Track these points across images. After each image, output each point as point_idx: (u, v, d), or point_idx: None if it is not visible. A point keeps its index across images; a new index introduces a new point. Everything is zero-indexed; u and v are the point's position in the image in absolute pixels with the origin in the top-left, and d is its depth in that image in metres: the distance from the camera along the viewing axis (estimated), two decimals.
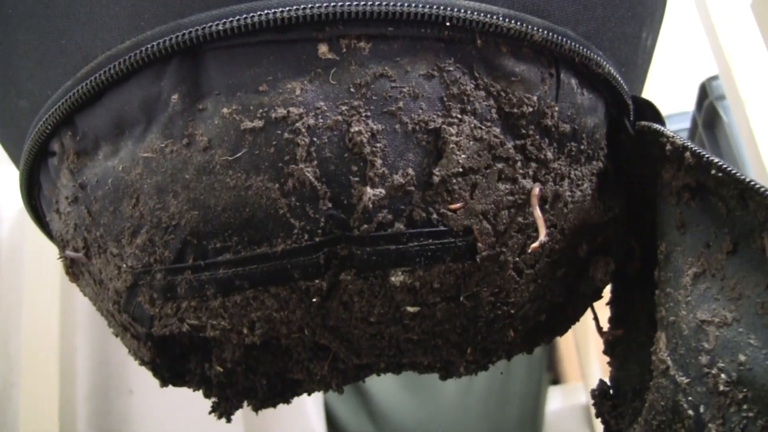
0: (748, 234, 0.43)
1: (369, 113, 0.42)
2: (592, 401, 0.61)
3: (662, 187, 0.50)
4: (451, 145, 0.43)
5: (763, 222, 0.41)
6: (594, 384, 0.61)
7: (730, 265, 0.44)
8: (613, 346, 0.61)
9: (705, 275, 0.45)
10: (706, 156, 0.44)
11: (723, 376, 0.42)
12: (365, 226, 0.43)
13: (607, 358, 0.62)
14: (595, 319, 0.60)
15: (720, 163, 0.43)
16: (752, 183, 0.41)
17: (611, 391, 0.60)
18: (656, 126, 0.49)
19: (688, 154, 0.45)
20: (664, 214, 0.50)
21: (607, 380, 0.61)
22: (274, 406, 0.61)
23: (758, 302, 0.41)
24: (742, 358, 0.41)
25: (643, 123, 0.50)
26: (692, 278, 0.46)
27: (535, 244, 0.46)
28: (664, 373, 0.46)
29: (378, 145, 0.42)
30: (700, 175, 0.45)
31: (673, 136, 0.46)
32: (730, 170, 0.42)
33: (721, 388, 0.42)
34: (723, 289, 0.44)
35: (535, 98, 0.45)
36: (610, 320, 0.62)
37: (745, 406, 0.41)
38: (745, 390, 0.41)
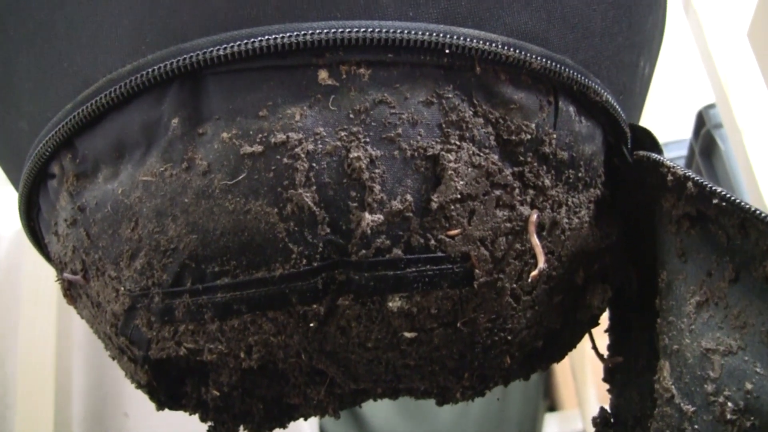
0: (750, 262, 0.43)
1: (368, 139, 0.42)
2: (593, 429, 0.61)
3: (662, 216, 0.50)
4: (450, 172, 0.43)
5: (765, 251, 0.41)
6: (590, 411, 0.61)
7: (733, 294, 0.44)
8: (612, 373, 0.61)
9: (708, 303, 0.45)
10: (709, 186, 0.44)
11: (730, 404, 0.42)
12: (363, 251, 0.43)
13: (603, 385, 0.62)
14: (593, 345, 0.60)
15: (723, 193, 0.43)
16: (756, 212, 0.41)
17: (612, 419, 0.60)
18: (655, 156, 0.49)
19: (690, 184, 0.45)
20: (664, 242, 0.50)
21: (605, 407, 0.61)
22: (271, 430, 0.61)
23: (763, 330, 0.41)
24: (748, 386, 0.41)
25: (642, 152, 0.50)
26: (695, 306, 0.46)
27: (535, 273, 0.46)
28: (669, 402, 0.46)
29: (377, 170, 0.42)
30: (701, 205, 0.45)
31: (674, 167, 0.47)
32: (734, 199, 0.42)
33: (728, 416, 0.42)
34: (727, 317, 0.44)
35: (533, 126, 0.45)
36: (609, 347, 0.62)
37: None
38: (752, 418, 0.41)
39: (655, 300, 0.51)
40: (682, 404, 0.45)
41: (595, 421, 0.60)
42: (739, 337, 0.43)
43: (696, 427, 0.44)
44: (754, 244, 0.42)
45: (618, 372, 0.60)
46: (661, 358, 0.49)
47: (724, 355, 0.43)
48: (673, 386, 0.46)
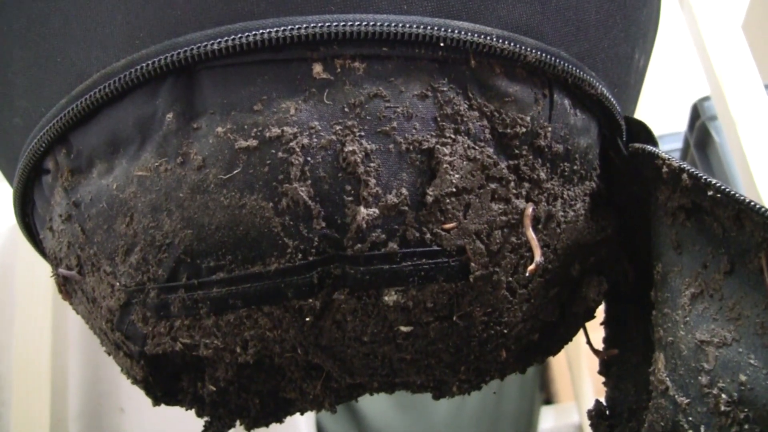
0: (745, 254, 0.43)
1: (363, 133, 0.42)
2: (588, 422, 0.61)
3: (657, 208, 0.50)
4: (445, 165, 0.43)
5: (760, 242, 0.41)
6: (586, 404, 0.61)
7: (727, 286, 0.44)
8: (608, 366, 0.61)
9: (703, 295, 0.45)
10: (704, 177, 0.44)
11: (724, 396, 0.42)
12: (359, 245, 0.43)
13: (599, 378, 0.62)
14: (587, 339, 0.60)
15: (718, 184, 0.43)
16: (751, 203, 0.41)
17: (607, 412, 0.60)
18: (650, 148, 0.49)
19: (685, 176, 0.45)
20: (659, 234, 0.50)
21: (601, 400, 0.61)
22: (267, 425, 0.61)
23: (758, 322, 0.41)
24: (742, 377, 0.41)
25: (637, 145, 0.50)
26: (690, 298, 0.46)
27: (532, 267, 0.46)
28: (664, 394, 0.46)
29: (372, 164, 0.42)
30: (696, 197, 0.45)
31: (669, 159, 0.47)
32: (728, 191, 0.42)
33: (723, 408, 0.42)
34: (721, 309, 0.44)
35: (528, 119, 0.45)
36: (605, 340, 0.62)
37: (746, 426, 0.41)
38: (746, 410, 0.41)
39: (651, 292, 0.51)
40: (676, 396, 0.45)
41: (591, 414, 0.60)
42: (733, 328, 0.43)
43: (690, 418, 0.44)
44: (749, 236, 0.42)
45: (614, 365, 0.60)
46: (656, 350, 0.49)
47: (719, 347, 0.43)
48: (667, 378, 0.46)
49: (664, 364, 0.47)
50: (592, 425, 0.60)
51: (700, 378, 0.43)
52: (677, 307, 0.47)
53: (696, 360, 0.44)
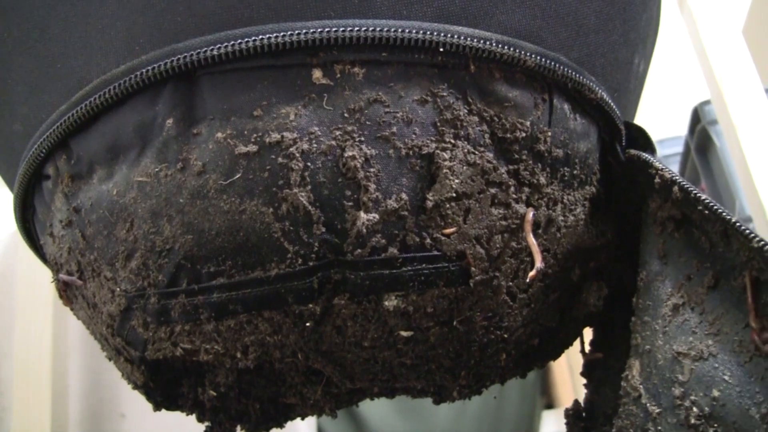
0: (730, 271, 0.43)
1: (363, 138, 0.42)
2: (564, 421, 0.61)
3: (647, 216, 0.50)
4: (445, 170, 0.43)
5: (745, 261, 0.42)
6: None
7: (710, 300, 0.44)
8: (591, 368, 0.61)
9: (685, 307, 0.45)
10: (694, 192, 0.44)
11: (695, 409, 0.42)
12: (359, 250, 0.43)
13: None
14: (581, 342, 0.60)
15: (707, 201, 0.43)
16: (737, 224, 0.42)
17: (584, 414, 0.60)
18: (645, 156, 0.49)
19: (676, 188, 0.45)
20: (647, 242, 0.50)
21: (579, 400, 0.61)
22: (267, 430, 0.61)
23: (736, 340, 0.42)
24: (716, 393, 0.41)
25: (633, 152, 0.50)
26: (671, 309, 0.46)
27: (533, 272, 0.46)
28: (636, 401, 0.46)
29: (372, 170, 0.42)
30: (686, 209, 0.45)
31: (662, 169, 0.47)
32: (716, 208, 0.43)
33: (693, 421, 0.42)
34: (702, 323, 0.44)
35: (528, 123, 0.45)
36: (592, 343, 0.62)
37: None
38: (716, 425, 0.41)
39: (633, 299, 0.51)
40: (648, 405, 0.45)
41: (567, 413, 0.61)
42: (712, 343, 0.43)
43: (659, 428, 0.44)
44: (736, 253, 0.42)
45: (597, 368, 0.61)
46: (632, 357, 0.49)
47: (695, 360, 0.43)
48: (641, 386, 0.46)
49: (639, 372, 0.47)
50: (567, 425, 0.60)
51: (673, 389, 0.44)
52: (658, 317, 0.47)
53: (671, 371, 0.44)
